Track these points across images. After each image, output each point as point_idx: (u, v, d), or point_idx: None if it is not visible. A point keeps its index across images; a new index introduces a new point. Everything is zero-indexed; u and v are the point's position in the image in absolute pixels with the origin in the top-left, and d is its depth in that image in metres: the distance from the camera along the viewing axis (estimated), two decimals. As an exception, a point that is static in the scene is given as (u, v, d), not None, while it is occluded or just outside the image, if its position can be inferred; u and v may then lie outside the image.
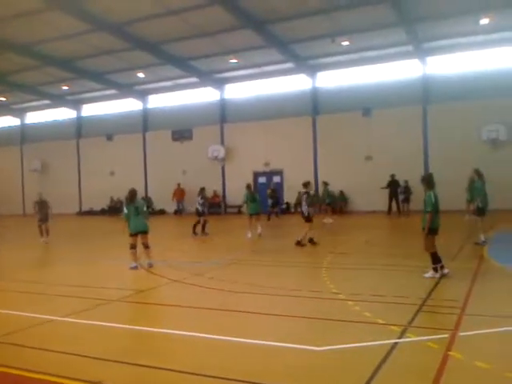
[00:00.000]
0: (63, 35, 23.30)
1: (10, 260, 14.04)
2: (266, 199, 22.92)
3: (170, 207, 31.81)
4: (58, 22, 21.72)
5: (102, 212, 34.25)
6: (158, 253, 12.57)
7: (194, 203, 30.85)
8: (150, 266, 10.91)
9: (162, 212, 31.85)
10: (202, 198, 18.27)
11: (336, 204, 26.33)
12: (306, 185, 14.26)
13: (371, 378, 4.53)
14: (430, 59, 25.82)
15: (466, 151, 23.97)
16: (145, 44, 24.67)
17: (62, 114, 37.25)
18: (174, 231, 22.21)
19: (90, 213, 34.89)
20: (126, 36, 23.58)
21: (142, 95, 33.58)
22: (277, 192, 25.52)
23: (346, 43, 24.17)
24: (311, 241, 13.96)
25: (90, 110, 36.40)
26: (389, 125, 26.12)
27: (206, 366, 4.99)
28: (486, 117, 23.69)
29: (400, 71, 26.53)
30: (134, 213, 10.95)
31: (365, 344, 5.42)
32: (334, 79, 28.31)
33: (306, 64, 27.69)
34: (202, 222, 18.05)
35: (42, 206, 17.67)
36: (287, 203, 28.77)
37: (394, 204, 25.22)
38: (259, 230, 16.94)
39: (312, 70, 28.25)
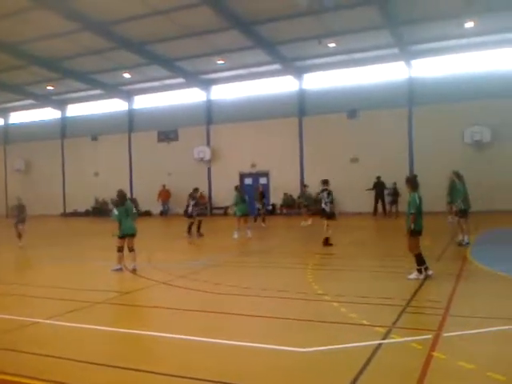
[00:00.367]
0: (49, 34, 23.08)
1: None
2: (254, 201, 22.80)
3: (156, 208, 31.66)
4: (44, 21, 21.51)
5: (87, 213, 33.96)
6: (144, 254, 12.47)
7: (179, 204, 31.11)
8: (134, 269, 10.63)
9: (147, 213, 31.66)
10: (193, 199, 18.09)
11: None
12: (325, 182, 14.25)
13: (355, 378, 4.53)
14: (415, 62, 26.05)
15: (450, 153, 24.23)
16: (131, 44, 24.53)
17: (47, 114, 36.88)
18: (159, 232, 22.08)
19: (74, 214, 34.54)
20: (112, 36, 23.43)
21: (128, 96, 33.38)
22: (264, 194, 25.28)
23: (332, 45, 24.28)
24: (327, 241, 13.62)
25: (75, 110, 36.08)
26: (375, 126, 26.28)
27: (191, 368, 4.94)
28: (470, 119, 23.97)
29: (386, 73, 26.73)
30: (123, 215, 10.77)
31: (350, 345, 5.42)
32: (320, 81, 28.42)
33: (293, 65, 27.75)
34: (197, 222, 17.83)
35: (21, 210, 17.38)
36: (273, 204, 28.80)
37: (380, 205, 25.43)
38: (249, 233, 16.89)
39: (299, 72, 28.32)
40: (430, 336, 5.61)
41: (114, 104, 34.14)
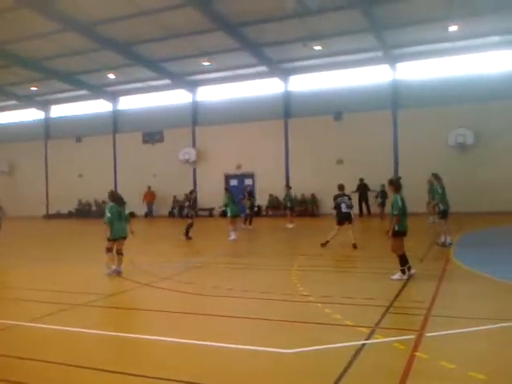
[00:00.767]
0: (32, 34, 22.85)
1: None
2: (242, 201, 22.63)
3: (141, 210, 31.43)
4: (28, 21, 21.25)
5: (70, 215, 33.61)
6: (128, 256, 12.36)
7: (164, 206, 30.98)
8: (119, 273, 10.36)
9: (132, 215, 31.27)
10: (188, 201, 17.94)
11: (305, 207, 26.44)
12: (342, 187, 14.25)
13: (338, 379, 4.53)
14: (399, 65, 26.27)
15: (434, 155, 24.48)
16: (116, 45, 24.38)
17: (30, 114, 36.48)
18: (143, 234, 21.92)
19: (57, 216, 34.14)
20: (97, 36, 23.26)
21: (113, 97, 33.16)
22: (253, 194, 24.97)
23: (318, 47, 24.38)
24: (355, 245, 13.36)
25: (58, 111, 35.74)
26: (360, 129, 26.44)
27: (173, 371, 4.91)
28: (453, 122, 24.22)
29: (371, 76, 26.91)
30: (116, 217, 10.43)
31: (333, 346, 5.42)
32: (306, 83, 28.51)
33: (279, 67, 27.81)
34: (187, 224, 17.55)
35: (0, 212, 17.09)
36: (259, 206, 28.78)
37: (365, 207, 25.55)
38: (234, 234, 16.82)
39: (284, 74, 28.39)
40: (412, 336, 5.63)
41: (98, 105, 33.88)
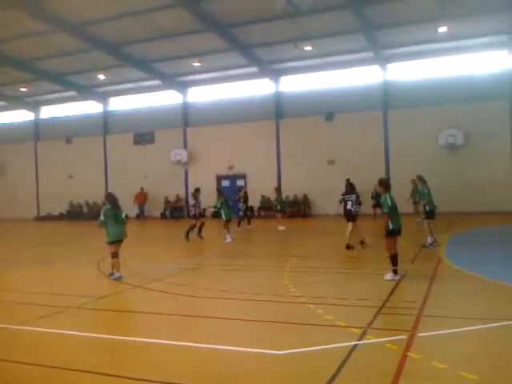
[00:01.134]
0: (21, 35, 22.64)
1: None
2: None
3: (132, 211, 31.29)
4: (17, 22, 21.10)
5: (61, 216, 33.41)
6: (119, 258, 12.30)
7: (155, 207, 30.87)
8: (111, 275, 10.25)
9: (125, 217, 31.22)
10: (194, 199, 17.72)
11: (297, 207, 26.45)
12: (351, 184, 14.46)
13: (331, 380, 4.54)
14: (390, 66, 26.38)
15: (425, 155, 24.64)
16: (106, 45, 24.27)
17: (20, 116, 36.21)
18: (136, 236, 21.84)
19: (49, 217, 33.91)
20: (87, 37, 23.14)
21: (103, 97, 32.99)
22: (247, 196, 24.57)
23: (308, 48, 24.41)
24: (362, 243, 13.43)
25: (48, 112, 35.51)
26: (351, 129, 26.53)
27: (167, 373, 4.90)
28: (443, 122, 24.36)
29: (361, 77, 27.00)
30: (112, 220, 10.18)
31: (326, 347, 5.43)
32: (297, 84, 28.55)
33: (270, 68, 27.83)
34: (198, 224, 17.24)
35: None
36: (251, 207, 28.73)
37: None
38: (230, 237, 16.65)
39: (275, 75, 28.41)
40: (404, 336, 5.66)
41: (88, 106, 33.70)
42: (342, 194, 14.21)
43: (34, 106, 35.30)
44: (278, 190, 22.19)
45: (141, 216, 30.93)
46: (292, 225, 21.60)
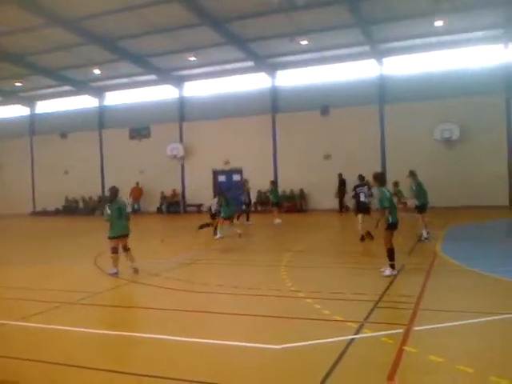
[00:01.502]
0: (16, 29, 22.44)
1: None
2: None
3: (128, 207, 31.24)
4: (12, 16, 20.88)
5: (57, 212, 33.31)
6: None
7: (151, 202, 30.83)
8: (136, 270, 10.01)
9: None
10: (220, 197, 17.25)
11: (293, 202, 26.47)
12: (362, 177, 14.33)
13: (328, 374, 4.56)
14: (386, 60, 26.35)
15: (421, 150, 24.67)
16: (101, 40, 24.11)
17: (15, 111, 36.01)
18: (132, 231, 21.83)
19: (44, 213, 33.80)
20: (82, 31, 22.99)
21: (99, 92, 32.84)
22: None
23: (304, 42, 24.34)
24: (369, 234, 13.46)
25: (44, 107, 35.33)
26: (347, 124, 26.51)
27: (159, 367, 4.91)
28: (439, 116, 24.37)
29: (357, 71, 26.96)
30: (116, 215, 10.17)
31: (323, 341, 5.45)
32: (293, 78, 28.50)
33: (266, 62, 27.75)
34: (214, 224, 16.66)
35: None
36: (249, 201, 28.72)
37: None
38: (239, 230, 16.37)
39: (271, 69, 28.34)
40: (401, 330, 5.69)
41: (84, 101, 33.55)
42: (354, 188, 14.26)
43: (30, 101, 35.10)
44: (273, 182, 21.96)
45: (137, 211, 30.85)
46: (288, 219, 21.61)
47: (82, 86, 31.79)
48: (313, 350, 5.29)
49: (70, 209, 33.07)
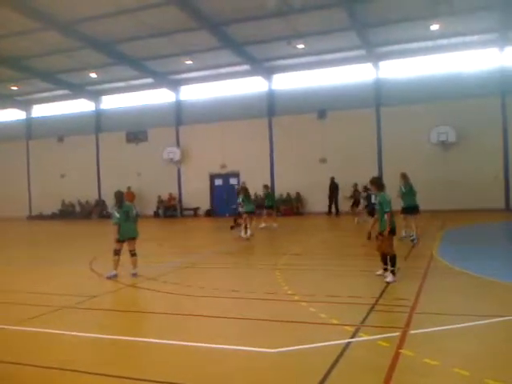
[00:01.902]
0: (12, 33, 22.45)
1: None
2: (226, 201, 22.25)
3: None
4: (7, 20, 20.90)
5: (53, 216, 33.23)
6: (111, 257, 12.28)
7: (148, 205, 30.77)
8: (135, 275, 10.07)
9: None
10: (244, 193, 17.40)
11: (290, 205, 26.48)
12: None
13: (324, 377, 4.55)
14: (382, 63, 26.45)
15: (417, 153, 24.77)
16: (98, 43, 24.14)
17: (11, 115, 35.98)
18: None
19: (41, 217, 33.72)
20: (79, 35, 22.99)
21: (95, 96, 32.84)
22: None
23: (301, 46, 24.43)
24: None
25: (40, 110, 35.31)
26: (343, 127, 26.59)
27: (154, 371, 4.89)
28: (435, 119, 24.47)
29: (354, 74, 27.06)
30: (123, 218, 10.20)
31: (319, 344, 5.44)
32: (289, 81, 28.57)
33: (262, 66, 27.81)
34: (242, 222, 17.02)
35: None
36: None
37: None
38: (247, 232, 16.66)
39: (268, 73, 28.40)
40: (397, 334, 5.69)
41: (80, 104, 33.55)
42: (364, 190, 14.34)
43: (26, 105, 35.09)
44: (266, 186, 21.72)
45: (133, 215, 30.73)
46: (285, 222, 21.60)
47: (78, 90, 31.80)
48: (309, 353, 5.28)
49: (67, 213, 33.01)
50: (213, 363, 5.17)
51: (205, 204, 30.13)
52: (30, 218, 34.20)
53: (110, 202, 30.97)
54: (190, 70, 28.42)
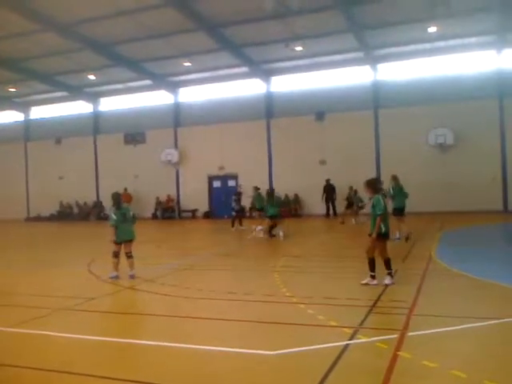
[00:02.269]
0: (10, 34, 22.47)
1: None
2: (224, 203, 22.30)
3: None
4: (5, 21, 20.92)
5: (51, 218, 33.19)
6: (110, 259, 12.25)
7: (146, 207, 30.74)
8: (133, 277, 10.06)
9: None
10: (271, 197, 17.68)
11: (288, 207, 26.50)
12: (381, 183, 14.56)
13: (323, 379, 4.55)
14: (380, 66, 26.50)
15: (415, 155, 24.82)
16: (96, 45, 24.15)
17: (9, 116, 35.95)
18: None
19: (39, 218, 33.69)
20: (77, 36, 23.02)
21: (93, 98, 32.84)
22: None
23: (299, 48, 24.47)
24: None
25: (38, 112, 35.28)
26: (342, 129, 26.62)
27: (152, 373, 4.88)
28: (433, 122, 24.52)
29: (352, 77, 27.11)
30: (120, 220, 10.21)
31: (317, 346, 5.44)
32: (288, 84, 28.60)
33: (260, 68, 27.84)
34: (270, 223, 17.20)
35: None
36: (243, 207, 28.70)
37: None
38: (260, 233, 17.18)
39: (266, 75, 28.43)
40: (395, 336, 5.68)
41: (78, 106, 33.54)
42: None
43: (24, 107, 35.08)
44: (257, 188, 21.59)
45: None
46: (283, 224, 21.52)
47: (76, 92, 31.79)
48: (308, 355, 5.28)
49: (65, 214, 32.98)
50: (210, 365, 5.16)
51: (203, 206, 30.13)
52: (28, 219, 34.16)
53: (107, 203, 30.96)
54: (188, 71, 28.44)
